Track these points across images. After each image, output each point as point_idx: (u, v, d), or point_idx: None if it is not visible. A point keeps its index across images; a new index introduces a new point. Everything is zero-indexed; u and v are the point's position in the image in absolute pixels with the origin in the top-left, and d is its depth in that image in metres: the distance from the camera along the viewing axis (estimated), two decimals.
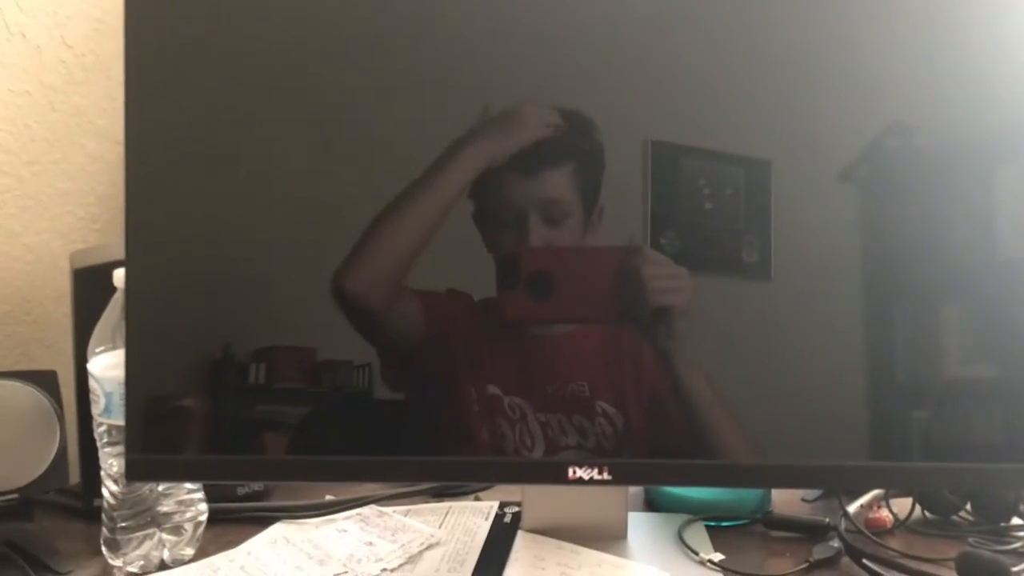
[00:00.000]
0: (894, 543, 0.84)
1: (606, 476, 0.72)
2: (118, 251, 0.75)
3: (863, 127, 0.74)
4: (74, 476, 0.92)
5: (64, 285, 0.94)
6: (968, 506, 0.90)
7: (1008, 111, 0.74)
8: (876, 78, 0.74)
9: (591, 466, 0.72)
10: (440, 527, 0.86)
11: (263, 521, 0.88)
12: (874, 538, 0.83)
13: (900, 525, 0.88)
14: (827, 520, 0.86)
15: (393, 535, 0.84)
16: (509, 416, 0.74)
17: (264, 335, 0.75)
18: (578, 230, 0.73)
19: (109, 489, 0.79)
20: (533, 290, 0.72)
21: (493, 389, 0.75)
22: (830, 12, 0.74)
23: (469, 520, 0.87)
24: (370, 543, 0.82)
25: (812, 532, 0.86)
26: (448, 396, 0.75)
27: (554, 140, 0.73)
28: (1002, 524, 0.88)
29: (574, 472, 0.72)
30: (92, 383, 0.78)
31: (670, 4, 0.74)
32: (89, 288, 0.87)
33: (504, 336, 0.75)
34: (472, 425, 0.74)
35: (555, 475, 0.73)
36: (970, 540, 0.84)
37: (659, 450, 0.75)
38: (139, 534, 0.79)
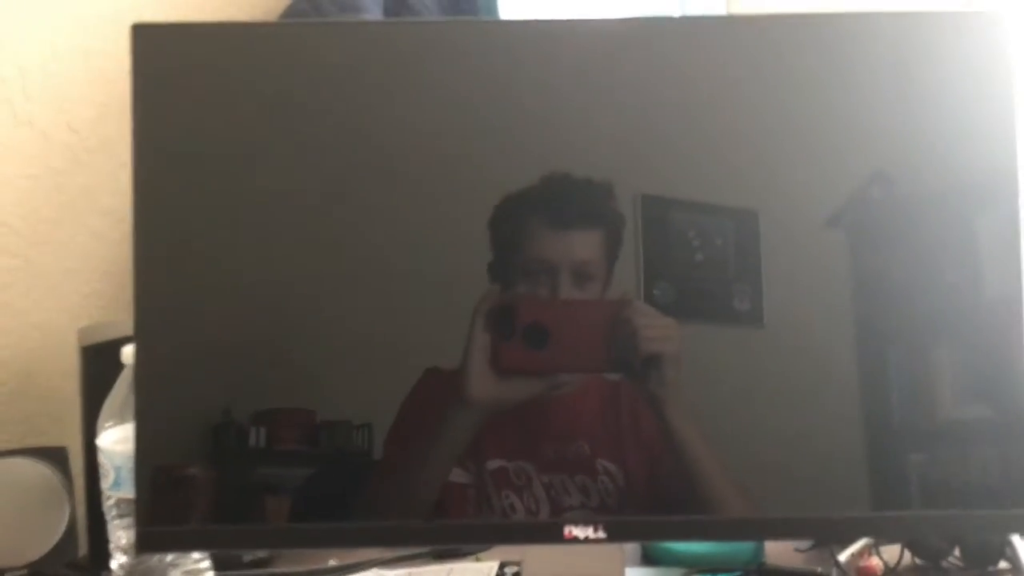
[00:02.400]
0: None
1: (601, 534, 0.74)
2: (124, 327, 0.78)
3: (847, 177, 0.76)
4: (83, 549, 0.94)
5: (71, 361, 0.97)
6: (956, 551, 0.92)
7: (985, 160, 0.76)
8: (857, 129, 0.77)
9: (587, 524, 0.74)
10: None
11: None
12: None
13: (891, 572, 0.90)
14: (819, 570, 0.88)
15: None
16: (515, 484, 0.76)
17: (270, 398, 0.77)
18: (599, 294, 0.76)
19: (118, 561, 0.81)
20: (529, 341, 0.74)
21: (495, 463, 0.76)
22: (809, 68, 0.78)
23: None
24: None
25: None
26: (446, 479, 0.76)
27: (588, 205, 0.76)
28: (990, 568, 0.89)
29: (570, 531, 0.74)
30: (101, 458, 0.80)
31: (655, 62, 0.78)
32: (97, 364, 0.90)
33: (510, 406, 0.76)
34: (470, 509, 0.76)
35: (551, 535, 0.75)
36: None
37: (660, 504, 0.77)
38: None
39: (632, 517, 0.77)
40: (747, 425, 0.76)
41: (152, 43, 0.76)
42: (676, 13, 1.06)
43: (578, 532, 0.74)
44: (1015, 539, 0.87)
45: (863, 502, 0.77)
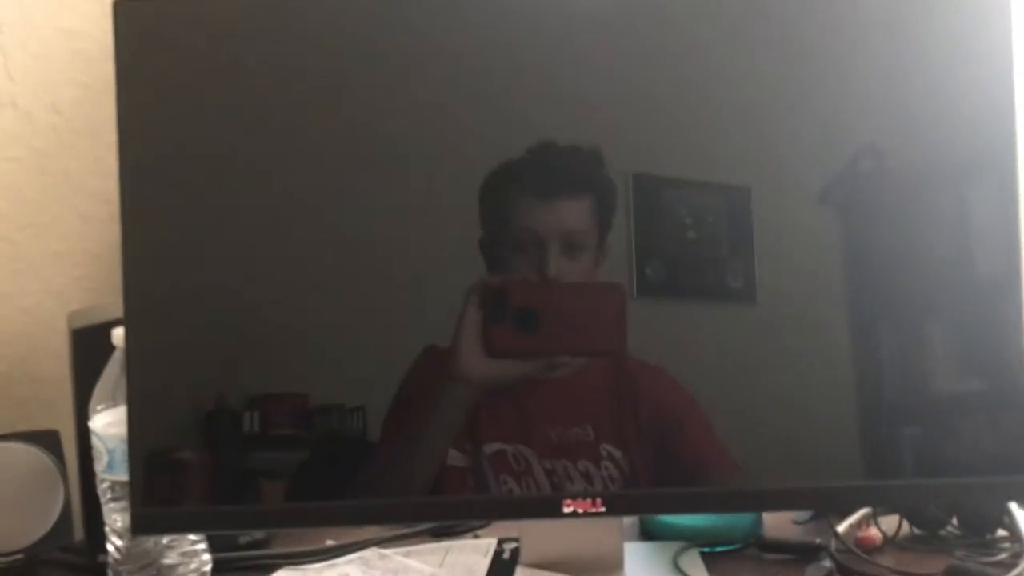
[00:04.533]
0: (884, 560, 0.86)
1: (600, 508, 0.74)
2: (115, 310, 0.77)
3: (836, 151, 0.76)
4: (78, 532, 0.94)
5: (60, 344, 0.96)
6: (954, 520, 0.92)
7: (972, 131, 0.76)
8: (845, 104, 0.77)
9: (585, 498, 0.74)
10: (441, 566, 0.87)
11: (266, 569, 0.89)
12: (865, 556, 0.85)
13: (889, 542, 0.90)
14: (818, 541, 0.88)
15: None
16: (514, 469, 0.75)
17: (262, 383, 0.77)
18: (591, 264, 0.75)
19: (114, 544, 0.80)
20: (520, 324, 0.73)
21: (493, 447, 0.76)
22: (799, 41, 0.77)
23: (469, 558, 0.89)
24: None
25: (804, 553, 0.88)
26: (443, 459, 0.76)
27: (575, 173, 0.75)
28: (988, 536, 0.90)
29: (569, 505, 0.74)
30: (94, 440, 0.79)
31: (643, 36, 0.77)
32: (88, 347, 0.89)
33: (503, 385, 0.75)
34: (468, 493, 0.76)
35: (550, 509, 0.75)
36: (957, 553, 0.86)
37: (661, 483, 0.76)
38: None
39: (631, 490, 0.76)
40: (742, 400, 0.77)
41: (134, 19, 0.75)
42: None
43: (577, 506, 0.74)
44: (1013, 507, 0.88)
45: (859, 473, 0.77)
